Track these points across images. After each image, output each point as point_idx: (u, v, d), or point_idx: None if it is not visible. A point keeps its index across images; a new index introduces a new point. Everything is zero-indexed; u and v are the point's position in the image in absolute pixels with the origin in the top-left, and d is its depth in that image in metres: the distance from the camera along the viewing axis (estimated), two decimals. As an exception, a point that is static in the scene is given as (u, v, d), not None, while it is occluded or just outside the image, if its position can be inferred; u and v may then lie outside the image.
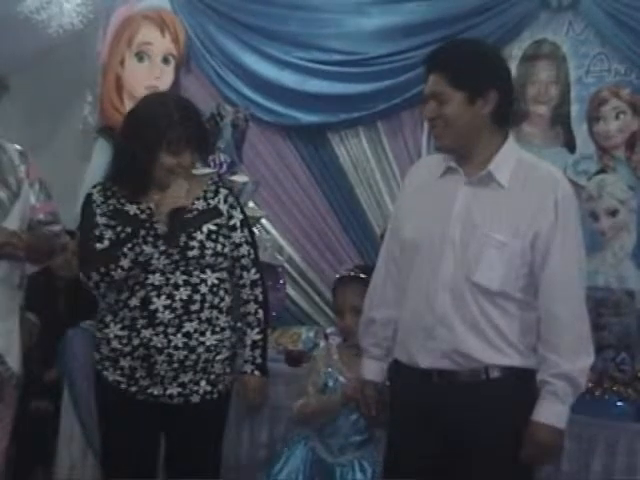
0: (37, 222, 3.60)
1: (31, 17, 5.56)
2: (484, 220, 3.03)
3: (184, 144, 3.36)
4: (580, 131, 5.18)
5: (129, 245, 3.30)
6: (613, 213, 4.95)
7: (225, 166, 5.13)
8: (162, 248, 3.33)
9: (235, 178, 5.15)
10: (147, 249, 3.31)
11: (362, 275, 3.75)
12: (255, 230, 5.55)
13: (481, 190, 3.07)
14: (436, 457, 3.09)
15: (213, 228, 3.42)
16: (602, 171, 5.06)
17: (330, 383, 3.67)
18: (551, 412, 2.98)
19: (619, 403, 3.98)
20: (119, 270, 3.29)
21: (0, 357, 3.51)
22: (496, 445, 2.99)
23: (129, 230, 3.34)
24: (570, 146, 5.21)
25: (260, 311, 3.54)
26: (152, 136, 3.35)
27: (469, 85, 3.03)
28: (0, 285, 3.48)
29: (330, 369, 3.66)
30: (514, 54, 5.35)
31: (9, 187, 3.52)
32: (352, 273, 3.84)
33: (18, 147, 3.65)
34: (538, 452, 2.99)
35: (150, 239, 3.32)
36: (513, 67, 5.34)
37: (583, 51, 5.16)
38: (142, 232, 3.33)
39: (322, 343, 3.95)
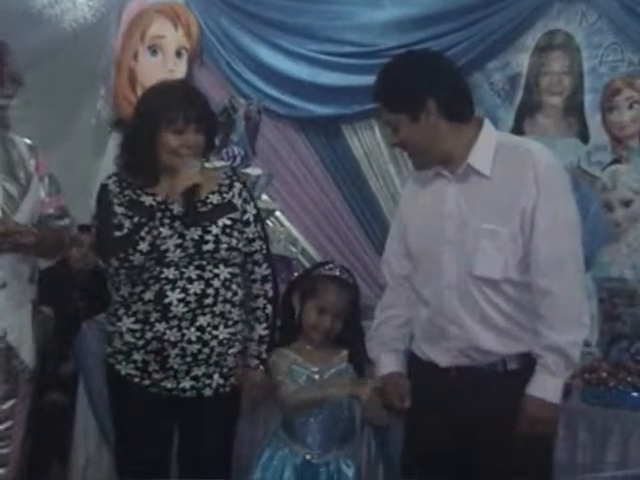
0: (47, 216, 3.60)
1: (44, 11, 5.58)
2: (474, 213, 3.04)
3: (184, 123, 3.36)
4: (594, 121, 5.17)
5: (146, 229, 3.30)
6: (627, 203, 4.94)
7: (238, 159, 5.13)
8: (188, 231, 3.33)
9: (248, 171, 5.16)
10: (164, 231, 3.32)
11: (347, 279, 3.70)
12: (269, 223, 5.60)
13: (466, 185, 3.08)
14: (454, 449, 3.10)
15: (228, 222, 3.42)
16: (616, 161, 5.05)
17: (300, 380, 3.55)
18: (542, 385, 2.99)
19: (634, 394, 3.96)
20: (137, 254, 3.29)
21: (13, 351, 3.50)
22: (513, 435, 2.99)
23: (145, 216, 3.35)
24: (583, 137, 5.20)
25: (269, 306, 3.54)
26: (152, 115, 3.37)
27: (404, 106, 3.05)
28: (10, 279, 3.48)
29: (294, 366, 3.55)
30: (527, 45, 5.35)
31: (19, 181, 3.51)
32: (342, 275, 3.70)
33: (28, 141, 3.64)
34: (529, 426, 2.98)
35: (166, 221, 3.33)
36: (526, 58, 5.36)
37: (596, 41, 5.15)
38: (158, 215, 3.34)
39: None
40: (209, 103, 3.56)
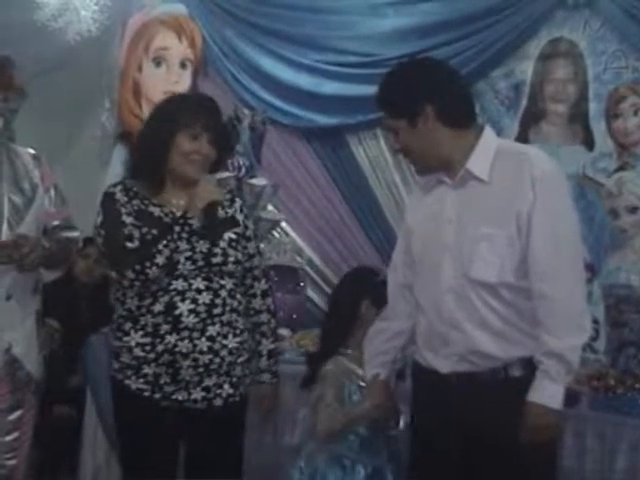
0: (53, 228, 3.59)
1: (48, 24, 5.60)
2: (471, 217, 3.05)
3: (201, 129, 3.37)
4: (598, 129, 5.17)
5: (164, 242, 3.30)
6: (633, 210, 4.93)
7: (244, 169, 5.14)
8: (197, 244, 3.33)
9: (254, 181, 5.17)
10: (182, 245, 3.32)
11: None
12: (274, 233, 5.61)
13: (465, 190, 3.09)
14: (459, 456, 3.09)
15: (233, 237, 3.44)
16: (621, 168, 5.05)
17: (355, 397, 3.53)
18: (542, 391, 2.97)
19: (642, 401, 3.97)
20: (154, 268, 3.28)
21: (18, 363, 3.50)
22: (516, 442, 2.98)
23: (157, 229, 3.32)
24: (588, 144, 5.20)
25: (273, 320, 3.59)
26: (170, 118, 3.39)
27: (402, 111, 3.08)
28: (15, 291, 3.47)
29: (348, 382, 3.53)
30: (531, 53, 5.36)
31: (24, 192, 3.50)
32: None
33: (31, 151, 3.62)
34: (532, 433, 2.97)
35: (185, 235, 3.33)
36: (530, 65, 5.36)
37: (600, 48, 5.16)
38: (177, 228, 3.34)
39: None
40: (223, 118, 3.60)
